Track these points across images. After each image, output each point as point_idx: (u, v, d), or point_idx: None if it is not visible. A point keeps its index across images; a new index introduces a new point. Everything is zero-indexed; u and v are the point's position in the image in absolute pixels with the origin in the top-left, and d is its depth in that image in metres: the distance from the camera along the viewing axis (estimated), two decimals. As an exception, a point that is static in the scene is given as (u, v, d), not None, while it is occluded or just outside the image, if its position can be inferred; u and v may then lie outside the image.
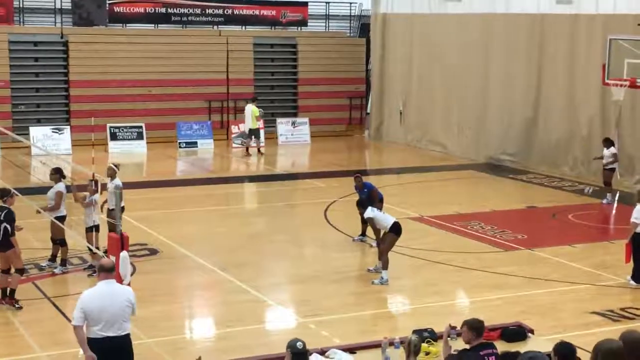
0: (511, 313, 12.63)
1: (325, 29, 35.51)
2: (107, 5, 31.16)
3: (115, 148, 28.82)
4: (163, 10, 31.96)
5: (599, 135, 22.93)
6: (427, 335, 9.17)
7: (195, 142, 30.43)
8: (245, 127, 29.61)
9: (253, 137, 29.06)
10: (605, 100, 23.17)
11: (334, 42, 34.37)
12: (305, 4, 34.40)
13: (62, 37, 30.25)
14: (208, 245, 17.17)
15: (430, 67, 29.98)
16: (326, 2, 35.04)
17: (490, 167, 26.64)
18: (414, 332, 9.04)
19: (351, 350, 9.13)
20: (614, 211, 20.97)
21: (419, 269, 15.53)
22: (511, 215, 20.28)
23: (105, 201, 15.38)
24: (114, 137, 29.18)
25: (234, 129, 31.01)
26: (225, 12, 32.92)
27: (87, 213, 14.70)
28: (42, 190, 15.76)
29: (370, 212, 14.80)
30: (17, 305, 12.96)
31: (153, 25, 32.19)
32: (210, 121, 31.33)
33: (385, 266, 14.49)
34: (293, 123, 32.15)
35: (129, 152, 28.70)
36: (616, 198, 21.55)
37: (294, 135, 31.94)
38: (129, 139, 29.46)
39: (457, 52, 28.55)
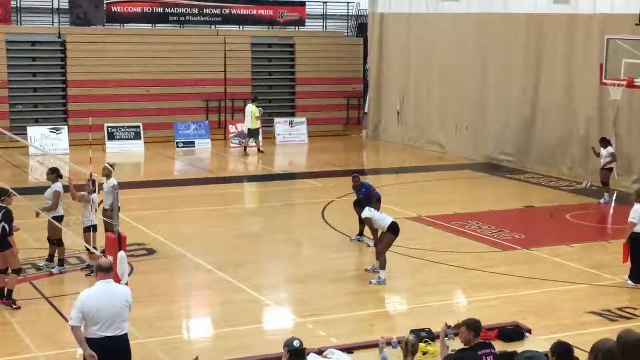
0: (509, 313, 12.64)
1: (323, 28, 35.52)
2: (105, 5, 31.14)
3: (113, 148, 28.80)
4: (161, 10, 31.95)
5: (596, 135, 22.94)
6: (425, 335, 9.18)
7: (193, 142, 30.43)
8: (244, 126, 29.61)
9: (252, 137, 29.07)
10: (603, 100, 23.18)
11: (331, 42, 34.37)
12: (303, 3, 34.40)
13: (59, 37, 30.23)
14: (206, 245, 17.16)
15: (428, 67, 29.99)
16: (324, 2, 35.04)
17: (488, 167, 26.65)
18: (412, 332, 9.04)
19: (349, 350, 9.14)
20: (611, 211, 20.99)
21: (416, 269, 15.53)
22: (509, 215, 20.29)
23: (102, 201, 15.37)
24: (111, 137, 29.17)
25: (232, 129, 31.02)
26: (223, 12, 32.91)
27: (85, 213, 14.69)
28: (39, 190, 15.75)
29: (368, 212, 14.80)
30: (14, 306, 12.95)
31: (151, 25, 32.18)
32: (208, 121, 31.33)
33: (383, 266, 14.50)
34: (291, 123, 32.16)
35: (127, 152, 28.69)
36: (614, 198, 21.57)
37: (292, 135, 31.94)
38: (126, 139, 29.45)
39: (454, 52, 28.56)
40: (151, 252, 16.35)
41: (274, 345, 10.41)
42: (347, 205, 18.62)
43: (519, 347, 8.88)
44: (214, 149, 30.24)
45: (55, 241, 14.94)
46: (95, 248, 13.81)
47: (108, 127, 29.14)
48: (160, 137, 30.20)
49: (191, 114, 31.29)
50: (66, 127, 29.09)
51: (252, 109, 28.96)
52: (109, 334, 8.73)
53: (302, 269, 15.58)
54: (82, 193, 14.76)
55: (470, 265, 15.69)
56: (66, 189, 15.21)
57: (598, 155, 21.39)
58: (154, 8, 31.84)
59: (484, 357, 7.91)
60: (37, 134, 28.40)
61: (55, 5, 30.80)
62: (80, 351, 8.94)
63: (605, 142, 21.32)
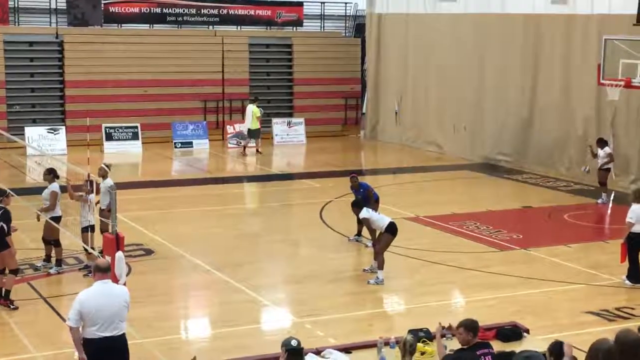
0: (506, 313, 12.65)
1: (321, 29, 35.53)
2: (102, 5, 31.13)
3: (111, 148, 28.80)
4: (158, 10, 31.94)
5: (594, 136, 22.94)
6: (423, 335, 9.19)
7: (191, 142, 30.42)
8: (244, 126, 29.61)
9: (252, 137, 29.07)
10: (600, 100, 23.19)
11: (329, 42, 34.39)
12: (301, 4, 34.40)
13: (57, 37, 30.22)
14: (203, 245, 17.15)
15: (425, 67, 30.00)
16: (321, 2, 35.05)
17: (485, 167, 26.66)
18: (410, 332, 9.05)
19: (347, 350, 9.14)
20: (609, 211, 21.00)
21: (414, 269, 15.54)
22: (507, 215, 20.30)
23: (98, 201, 15.36)
24: (109, 137, 29.16)
25: (230, 129, 31.02)
26: (220, 12, 32.91)
27: (82, 213, 14.69)
28: (37, 190, 15.74)
29: (366, 212, 14.80)
30: (12, 306, 12.94)
31: (148, 25, 32.17)
32: (206, 121, 31.32)
33: (380, 266, 14.50)
34: (288, 123, 32.16)
35: (125, 153, 28.68)
36: (611, 198, 21.58)
37: (290, 136, 31.94)
38: (124, 139, 29.44)
39: (452, 52, 28.57)
40: (149, 252, 16.35)
41: (272, 345, 10.42)
42: (345, 206, 18.62)
43: (516, 347, 8.89)
44: (211, 149, 30.23)
45: (53, 241, 14.92)
46: (92, 248, 13.81)
47: (106, 127, 29.13)
48: (158, 138, 30.19)
49: (189, 114, 31.28)
50: (64, 127, 29.07)
51: (252, 109, 28.97)
52: (107, 334, 8.73)
53: (300, 269, 15.58)
54: (80, 193, 14.76)
55: (467, 265, 15.70)
56: (63, 189, 15.21)
57: (595, 155, 21.40)
58: (152, 8, 31.84)
59: (482, 356, 7.91)
60: (34, 134, 28.38)
61: (53, 6, 30.79)
62: (77, 353, 8.93)
63: (602, 143, 21.33)
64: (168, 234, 17.59)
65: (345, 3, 35.69)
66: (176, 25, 32.52)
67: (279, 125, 31.86)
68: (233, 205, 21.70)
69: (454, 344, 8.54)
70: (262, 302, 13.64)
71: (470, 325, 8.02)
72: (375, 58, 32.57)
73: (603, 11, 23.31)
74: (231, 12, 33.14)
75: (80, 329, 8.78)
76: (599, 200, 21.27)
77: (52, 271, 14.84)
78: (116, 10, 31.45)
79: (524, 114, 26.17)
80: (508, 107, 26.70)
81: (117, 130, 29.45)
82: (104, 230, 14.39)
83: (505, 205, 21.32)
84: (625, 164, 23.04)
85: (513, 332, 9.59)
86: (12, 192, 14.45)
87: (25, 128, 28.52)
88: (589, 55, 23.36)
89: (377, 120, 32.77)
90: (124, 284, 10.52)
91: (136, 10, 31.70)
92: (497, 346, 8.81)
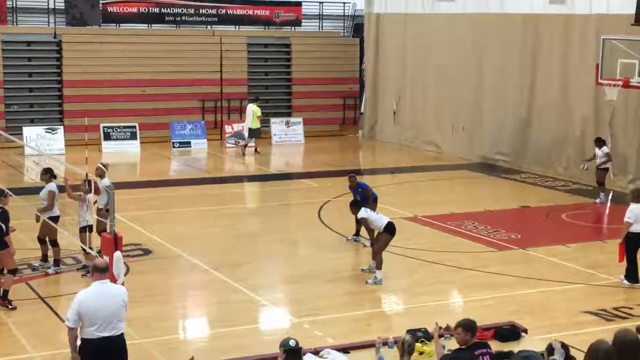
0: (505, 312, 12.65)
1: (319, 28, 35.52)
2: (101, 5, 31.11)
3: (109, 148, 28.79)
4: (156, 10, 31.93)
5: (592, 135, 22.96)
6: (421, 335, 9.18)
7: (189, 142, 30.41)
8: (245, 126, 29.61)
9: (253, 137, 29.09)
10: (598, 100, 23.20)
11: (327, 42, 34.38)
12: (299, 3, 34.40)
13: (55, 37, 30.20)
14: (202, 245, 17.15)
15: (423, 67, 30.00)
16: (320, 2, 35.05)
17: (484, 167, 26.67)
18: (408, 331, 9.04)
19: (345, 350, 9.14)
20: (607, 211, 21.00)
21: (412, 269, 15.54)
22: (505, 214, 20.31)
23: (95, 201, 15.35)
24: (107, 137, 29.16)
25: (228, 128, 31.02)
26: (218, 12, 32.90)
27: (80, 213, 14.68)
28: (35, 190, 15.73)
29: (364, 212, 14.80)
30: (10, 306, 12.94)
31: (146, 25, 32.16)
32: (204, 121, 31.32)
33: (379, 266, 14.50)
34: (287, 123, 32.16)
35: (123, 152, 28.68)
36: (609, 198, 21.60)
37: (288, 135, 31.94)
38: (122, 139, 29.43)
39: (450, 52, 28.58)
40: (147, 252, 16.34)
41: (270, 345, 10.41)
42: (343, 205, 18.60)
43: (515, 347, 8.89)
44: (209, 149, 30.22)
45: (50, 241, 14.92)
46: (91, 248, 13.80)
47: (104, 127, 29.13)
48: (156, 137, 30.19)
49: (187, 114, 31.27)
50: (62, 127, 29.05)
51: (253, 109, 28.98)
52: (106, 334, 8.73)
53: (298, 268, 15.58)
54: (78, 193, 14.75)
55: (466, 264, 15.70)
56: (61, 188, 15.20)
57: (592, 158, 21.42)
58: (150, 8, 31.82)
59: (480, 356, 7.91)
60: (32, 133, 28.36)
61: (51, 5, 30.77)
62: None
63: (600, 142, 21.35)
64: (166, 234, 17.58)
65: (344, 3, 35.69)
66: (174, 25, 32.51)
67: (277, 125, 31.86)
68: (231, 205, 21.69)
69: (452, 344, 8.54)
70: (261, 302, 13.64)
71: (468, 325, 8.02)
72: (373, 58, 32.57)
73: (601, 11, 23.32)
74: (229, 12, 33.13)
75: (79, 329, 8.79)
76: (597, 200, 21.28)
77: (50, 271, 14.84)
78: (114, 10, 31.44)
79: (523, 113, 26.18)
80: (506, 107, 26.70)
81: (115, 130, 29.44)
82: (101, 230, 14.39)
83: (503, 205, 21.33)
84: (624, 163, 23.06)
85: (511, 332, 9.59)
86: (10, 192, 14.44)
87: (24, 128, 28.49)
88: (587, 55, 23.38)
89: (376, 120, 32.77)
90: (122, 284, 10.51)
91: (134, 10, 31.69)
92: (495, 346, 8.81)
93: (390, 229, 14.51)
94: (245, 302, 13.57)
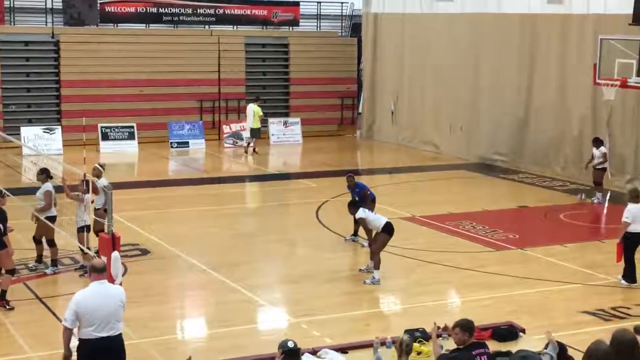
0: (502, 312, 12.66)
1: (317, 28, 35.51)
2: (98, 5, 31.09)
3: (107, 148, 28.78)
4: (154, 10, 31.91)
5: (590, 135, 22.98)
6: (419, 335, 9.19)
7: (187, 142, 30.40)
8: (247, 125, 29.62)
9: (254, 136, 29.12)
10: (596, 100, 23.22)
11: (325, 41, 34.38)
12: (297, 3, 34.40)
13: (53, 37, 30.19)
14: (200, 245, 17.15)
15: (421, 67, 30.01)
16: (318, 2, 35.03)
17: (481, 167, 26.68)
18: (406, 331, 9.05)
19: (343, 350, 9.14)
20: (605, 211, 21.02)
21: (410, 269, 15.54)
22: (503, 214, 20.32)
23: (92, 201, 15.34)
24: (105, 137, 29.14)
25: (226, 128, 31.01)
26: (216, 11, 32.89)
27: (78, 213, 14.67)
28: (33, 190, 15.70)
29: (362, 212, 14.80)
30: (8, 306, 12.92)
31: (144, 25, 32.14)
32: (202, 121, 31.31)
33: (377, 266, 14.50)
34: (285, 123, 32.16)
35: (121, 152, 28.67)
36: (607, 198, 21.61)
37: (286, 135, 31.94)
38: (120, 139, 29.42)
39: (448, 52, 28.58)
40: (145, 252, 16.34)
41: (268, 345, 10.41)
42: (341, 205, 18.61)
43: (512, 347, 8.90)
44: (207, 149, 30.22)
45: (47, 241, 14.90)
46: (88, 248, 13.79)
47: (102, 127, 29.11)
48: (154, 137, 30.17)
49: (185, 114, 31.27)
50: (59, 127, 29.03)
51: (254, 108, 29.01)
52: (104, 334, 8.73)
53: (296, 268, 15.58)
54: (76, 193, 14.75)
55: (463, 264, 15.71)
56: (57, 188, 15.18)
57: (590, 160, 21.42)
58: (148, 8, 31.81)
59: (477, 356, 7.92)
60: (30, 134, 28.35)
61: (49, 5, 30.74)
62: (74, 356, 8.94)
63: (597, 142, 21.36)
64: (164, 234, 17.58)
65: (342, 3, 35.68)
66: (172, 25, 32.50)
67: (275, 125, 31.86)
68: (229, 205, 21.69)
69: (450, 344, 8.54)
70: (258, 302, 13.64)
71: (466, 325, 8.02)
72: (371, 58, 32.58)
73: (599, 11, 23.34)
74: (227, 11, 33.12)
75: (77, 329, 8.79)
76: (595, 200, 21.30)
77: (47, 271, 14.83)
78: (112, 10, 31.42)
79: (520, 113, 26.19)
80: (504, 107, 26.71)
81: (113, 130, 29.43)
82: (98, 230, 14.38)
83: (501, 205, 21.33)
84: (621, 163, 23.07)
85: (509, 332, 9.59)
86: (7, 192, 14.44)
87: (21, 128, 28.48)
88: (584, 55, 23.39)
89: (374, 120, 32.78)
90: (120, 284, 10.51)
91: (132, 10, 31.67)
92: (493, 346, 8.82)
93: (388, 229, 14.51)
94: (243, 302, 13.56)
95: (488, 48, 27.15)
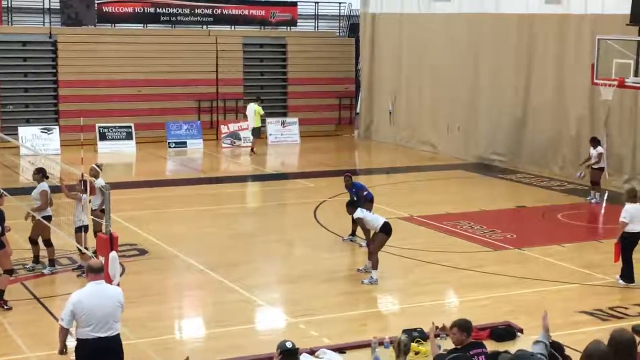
0: (500, 312, 12.66)
1: (315, 28, 35.52)
2: (96, 5, 31.08)
3: (105, 148, 28.77)
4: (152, 10, 31.90)
5: (587, 135, 22.96)
6: (417, 335, 9.19)
7: (185, 142, 30.40)
8: (249, 125, 29.64)
9: (255, 136, 29.14)
10: (594, 100, 23.23)
11: (323, 42, 34.38)
12: (295, 3, 34.39)
13: (50, 37, 30.17)
14: (198, 245, 17.14)
15: (419, 67, 30.01)
16: (315, 2, 35.04)
17: (479, 167, 26.69)
18: (404, 331, 9.06)
19: (341, 350, 9.14)
20: (602, 211, 21.04)
21: (408, 269, 15.54)
22: (500, 214, 20.32)
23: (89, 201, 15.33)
24: (103, 137, 29.13)
25: (224, 128, 31.00)
26: (214, 12, 32.89)
27: (75, 213, 14.66)
28: (30, 190, 15.67)
29: (360, 212, 14.80)
30: (6, 307, 12.91)
31: (142, 25, 32.12)
32: (200, 121, 31.31)
33: (374, 266, 14.50)
34: (282, 123, 32.16)
35: (118, 152, 28.66)
36: (605, 198, 21.62)
37: (284, 135, 31.95)
38: (118, 139, 29.41)
39: (446, 52, 28.59)
40: (143, 252, 16.33)
41: (266, 345, 10.41)
42: (339, 205, 18.63)
43: (510, 347, 8.90)
44: (205, 149, 30.21)
45: (44, 241, 14.89)
46: (86, 248, 13.79)
47: (99, 127, 29.10)
48: (151, 137, 30.17)
49: (183, 114, 31.25)
50: (57, 127, 29.03)
51: (255, 108, 29.04)
52: (102, 334, 8.73)
53: (294, 268, 15.58)
54: (74, 192, 14.74)
55: (461, 264, 15.71)
56: (53, 188, 15.16)
57: (588, 159, 21.43)
58: (145, 8, 31.79)
59: (475, 356, 7.92)
60: (28, 134, 28.34)
61: (46, 5, 30.72)
62: (72, 357, 8.95)
63: (595, 142, 21.37)
64: (162, 234, 17.57)
65: (339, 3, 35.70)
66: (170, 25, 32.48)
67: (273, 125, 31.86)
68: (227, 205, 21.69)
69: (448, 344, 8.54)
70: (256, 302, 13.64)
71: (463, 325, 8.03)
72: (369, 58, 32.58)
73: (596, 11, 23.36)
74: (225, 11, 33.11)
75: (74, 329, 8.79)
76: (592, 200, 21.30)
77: (45, 271, 14.82)
78: (110, 10, 31.40)
79: (518, 113, 26.20)
80: (502, 107, 26.72)
81: (111, 130, 29.42)
82: (97, 230, 14.36)
83: (499, 205, 21.34)
84: (619, 163, 23.09)
85: (507, 332, 9.60)
86: (5, 192, 14.43)
87: (19, 128, 28.47)
88: (582, 55, 23.40)
89: (371, 120, 32.79)
90: (118, 284, 10.51)
91: (130, 10, 31.66)
92: (491, 346, 8.82)
93: (386, 229, 14.51)
94: (241, 302, 13.56)
95: (486, 48, 27.16)
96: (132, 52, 30.73)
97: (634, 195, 14.56)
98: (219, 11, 32.95)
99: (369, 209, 15.77)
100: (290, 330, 12.13)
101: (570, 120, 24.48)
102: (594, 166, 21.23)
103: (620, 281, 14.52)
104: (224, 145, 30.59)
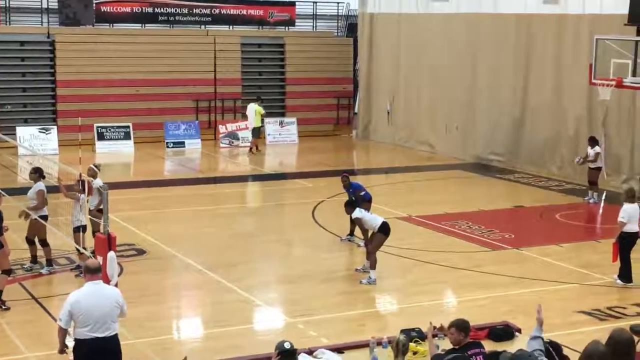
0: (498, 312, 12.67)
1: (313, 28, 35.52)
2: (94, 4, 31.07)
3: (103, 148, 28.76)
4: (150, 9, 31.90)
5: (585, 135, 22.98)
6: (415, 335, 9.19)
7: (183, 142, 30.40)
8: (249, 125, 29.64)
9: (254, 135, 29.14)
10: (592, 100, 23.24)
11: (321, 41, 34.39)
12: (293, 3, 34.39)
13: (48, 37, 30.16)
14: (196, 245, 17.14)
15: (417, 66, 30.02)
16: (314, 2, 35.04)
17: (477, 167, 26.70)
18: (402, 331, 9.06)
19: (339, 350, 9.15)
20: (600, 210, 21.04)
21: (406, 269, 15.55)
22: (499, 214, 20.33)
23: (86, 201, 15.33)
24: (101, 137, 29.13)
25: (222, 128, 31.00)
26: (212, 11, 32.88)
27: (74, 213, 14.65)
28: (28, 190, 15.68)
29: (358, 212, 14.80)
30: (4, 307, 12.91)
31: (140, 25, 32.12)
32: (198, 121, 31.30)
33: (373, 266, 14.51)
34: (281, 123, 32.16)
35: (116, 152, 28.65)
36: (603, 197, 21.63)
37: (282, 135, 31.94)
38: (116, 139, 29.41)
39: (444, 52, 28.60)
40: (141, 252, 16.33)
41: (264, 345, 10.42)
42: (337, 205, 18.61)
43: (508, 347, 8.90)
44: (203, 149, 30.21)
45: (40, 241, 14.88)
46: (84, 248, 13.78)
47: (97, 127, 29.10)
48: (150, 137, 30.16)
49: (181, 114, 31.25)
50: (55, 127, 29.02)
51: (255, 108, 29.06)
52: (99, 334, 8.74)
53: (292, 269, 15.57)
54: (72, 192, 14.73)
55: (460, 264, 15.72)
56: (50, 188, 15.15)
57: (586, 157, 21.44)
58: (144, 8, 31.79)
59: (473, 356, 7.92)
60: (26, 133, 28.33)
61: (44, 5, 30.71)
62: (71, 357, 8.95)
63: (592, 142, 21.38)
64: (160, 234, 17.56)
65: (338, 3, 35.70)
66: (168, 25, 32.48)
67: (271, 125, 31.85)
68: (225, 205, 21.68)
69: (446, 344, 8.55)
70: (255, 302, 13.64)
71: (461, 325, 8.03)
72: (367, 58, 32.58)
73: (594, 11, 23.37)
74: (223, 11, 33.12)
75: (72, 329, 8.79)
76: (590, 200, 21.31)
77: (43, 271, 14.81)
78: (108, 10, 31.40)
79: (516, 113, 26.21)
80: (500, 107, 26.73)
81: (109, 130, 29.41)
82: (96, 230, 14.35)
83: (497, 205, 21.35)
84: (617, 163, 23.10)
85: (505, 332, 9.61)
86: (3, 193, 14.41)
87: (17, 128, 28.47)
88: (580, 55, 23.42)
89: (370, 120, 32.79)
90: (116, 285, 10.51)
91: (128, 9, 31.65)
92: (489, 346, 8.82)
93: (384, 229, 14.52)
94: (240, 302, 13.56)
95: (484, 48, 27.17)
96: (130, 52, 30.73)
97: (632, 195, 14.58)
98: (217, 11, 32.95)
99: (367, 209, 15.78)
100: (288, 330, 12.13)
101: (569, 120, 24.49)
102: (591, 166, 21.25)
103: (618, 281, 14.53)
104: (222, 145, 30.59)
